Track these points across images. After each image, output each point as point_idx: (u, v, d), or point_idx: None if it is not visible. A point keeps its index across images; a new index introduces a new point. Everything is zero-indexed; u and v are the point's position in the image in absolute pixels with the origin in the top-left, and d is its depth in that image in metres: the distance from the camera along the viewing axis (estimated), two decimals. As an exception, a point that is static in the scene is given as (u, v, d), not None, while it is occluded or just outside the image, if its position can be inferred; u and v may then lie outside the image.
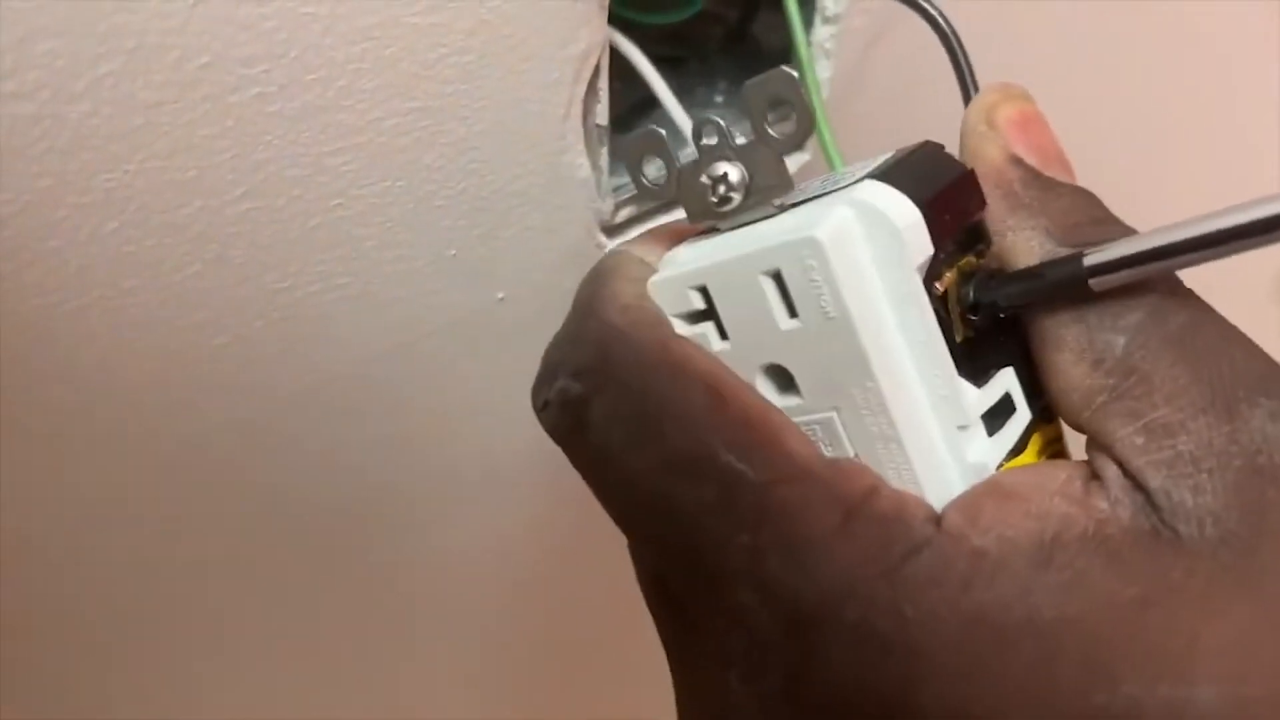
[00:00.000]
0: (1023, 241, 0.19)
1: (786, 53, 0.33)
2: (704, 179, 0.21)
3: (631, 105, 0.32)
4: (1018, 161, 0.19)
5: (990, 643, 0.15)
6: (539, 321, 0.31)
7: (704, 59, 0.36)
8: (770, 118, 0.20)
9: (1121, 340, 0.17)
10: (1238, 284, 0.67)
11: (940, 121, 0.23)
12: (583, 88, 0.27)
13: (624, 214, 0.30)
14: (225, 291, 0.24)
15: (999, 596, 0.16)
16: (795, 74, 0.19)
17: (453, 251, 0.27)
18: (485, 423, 0.32)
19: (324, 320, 0.26)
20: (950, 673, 0.16)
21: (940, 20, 0.24)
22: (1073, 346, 0.18)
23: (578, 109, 0.27)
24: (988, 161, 0.19)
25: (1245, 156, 0.55)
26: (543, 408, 0.21)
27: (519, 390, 0.31)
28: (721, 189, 0.21)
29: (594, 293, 0.20)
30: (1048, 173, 0.19)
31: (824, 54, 0.31)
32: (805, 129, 0.20)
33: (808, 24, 0.31)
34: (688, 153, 0.32)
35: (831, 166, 0.25)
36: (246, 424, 0.27)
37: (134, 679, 0.32)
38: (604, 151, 0.29)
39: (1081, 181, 0.20)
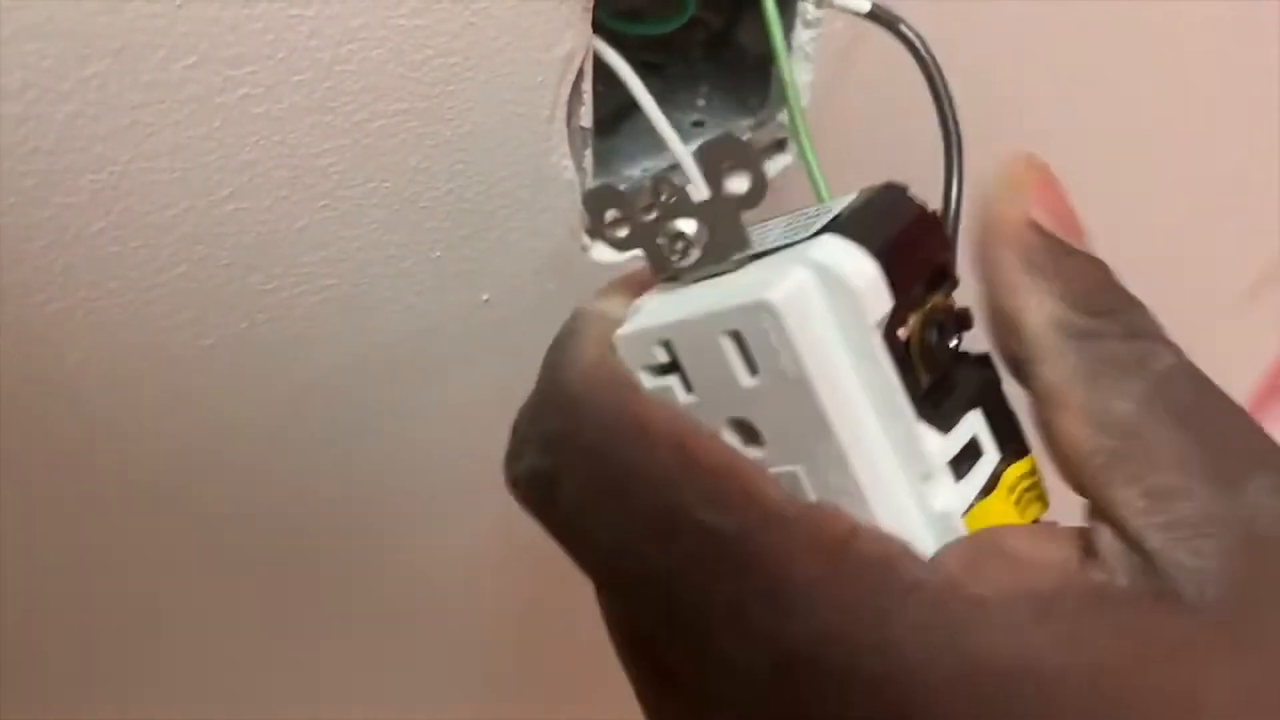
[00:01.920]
0: (1034, 305, 0.19)
1: (770, 57, 0.33)
2: (660, 238, 0.21)
3: (614, 109, 0.32)
4: (1036, 226, 0.19)
5: (992, 686, 0.16)
6: (524, 324, 0.31)
7: (688, 64, 0.36)
8: (727, 178, 0.20)
9: (1127, 406, 0.17)
10: (1212, 285, 0.68)
11: (921, 121, 0.23)
12: (566, 91, 0.27)
13: (608, 215, 0.31)
14: (211, 293, 0.24)
15: (1000, 642, 0.16)
16: (745, 139, 0.19)
17: (438, 253, 0.28)
18: (471, 424, 0.32)
19: (309, 321, 0.27)
20: (949, 713, 0.16)
21: (917, 43, 0.24)
22: (1077, 409, 0.18)
23: (562, 112, 0.27)
24: (1008, 223, 0.19)
25: (1220, 158, 0.56)
26: (513, 484, 0.21)
27: (503, 392, 0.31)
28: (680, 244, 0.21)
29: (557, 359, 0.20)
30: (1065, 239, 0.19)
31: (805, 57, 0.32)
32: (759, 189, 0.19)
33: (788, 29, 0.31)
34: (666, 156, 0.32)
35: (815, 189, 0.25)
36: (232, 425, 0.27)
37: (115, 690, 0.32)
38: (587, 154, 0.29)
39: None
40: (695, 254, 0.20)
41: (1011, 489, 0.20)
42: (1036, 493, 0.20)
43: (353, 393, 0.29)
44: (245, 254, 0.24)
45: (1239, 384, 0.96)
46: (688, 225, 0.20)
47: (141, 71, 0.20)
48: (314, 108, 0.23)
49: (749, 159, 0.19)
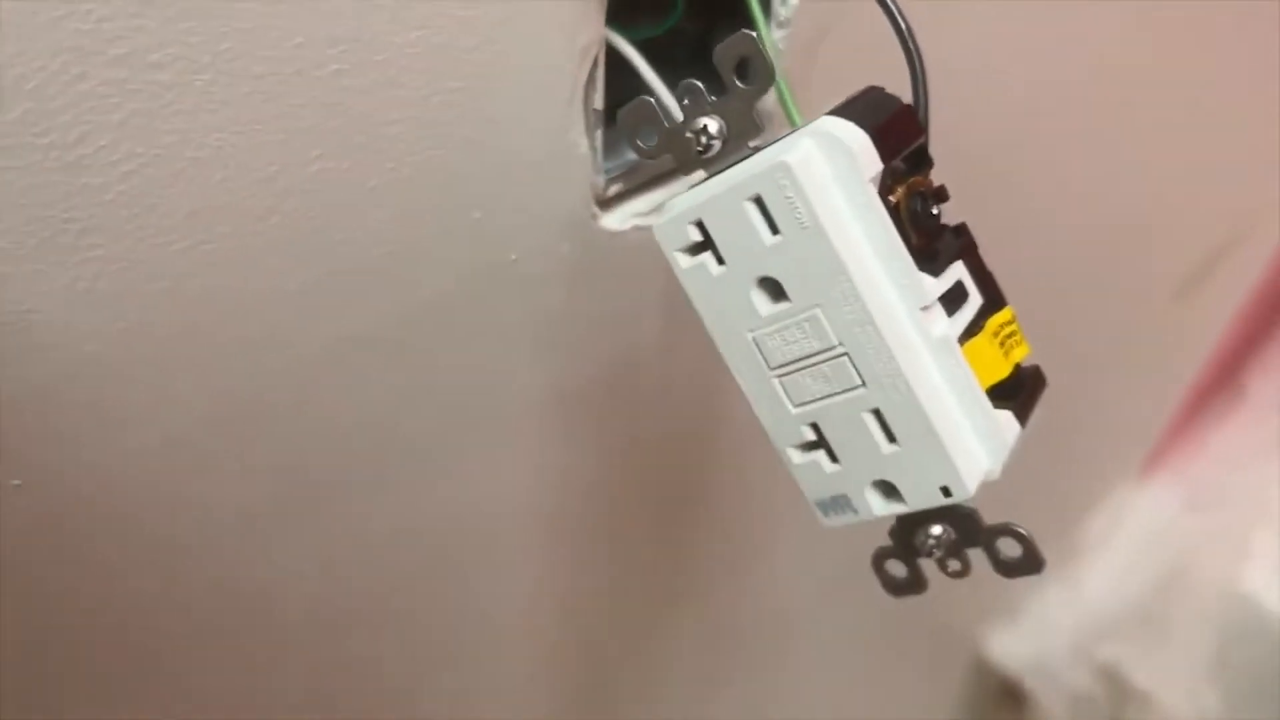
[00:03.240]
0: None
1: (744, 64, 0.39)
2: (688, 134, 0.27)
3: (617, 100, 0.37)
4: None
5: None
6: (544, 281, 0.36)
7: (673, 68, 0.41)
8: (738, 74, 0.25)
9: None
10: (1142, 284, 0.74)
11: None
12: (584, 76, 0.32)
13: (614, 189, 0.36)
14: (299, 241, 0.29)
15: None
16: (754, 34, 0.25)
17: (477, 214, 0.33)
18: (502, 367, 0.37)
19: (371, 273, 0.31)
20: None
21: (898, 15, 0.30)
22: None
23: (579, 95, 0.33)
24: None
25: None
26: None
27: (529, 334, 0.36)
28: (704, 139, 0.26)
29: None
30: None
31: (776, 54, 0.37)
32: (767, 77, 0.25)
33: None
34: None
35: (791, 122, 0.30)
36: (308, 360, 0.32)
37: None
38: (599, 134, 0.34)
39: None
40: (717, 145, 0.26)
41: (995, 333, 0.25)
42: (1018, 338, 0.26)
43: (402, 342, 0.34)
44: (326, 210, 0.29)
45: (1173, 385, 1.02)
46: (710, 122, 0.25)
47: (262, 48, 0.25)
48: (388, 83, 0.28)
49: (755, 49, 0.25)
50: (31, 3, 0.21)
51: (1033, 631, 1.09)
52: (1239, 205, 0.77)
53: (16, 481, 0.28)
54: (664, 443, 0.47)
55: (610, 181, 0.35)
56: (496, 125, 0.31)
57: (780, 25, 0.36)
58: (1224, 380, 1.08)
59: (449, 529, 0.42)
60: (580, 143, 0.34)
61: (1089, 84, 0.53)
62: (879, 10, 0.31)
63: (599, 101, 0.33)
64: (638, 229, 0.37)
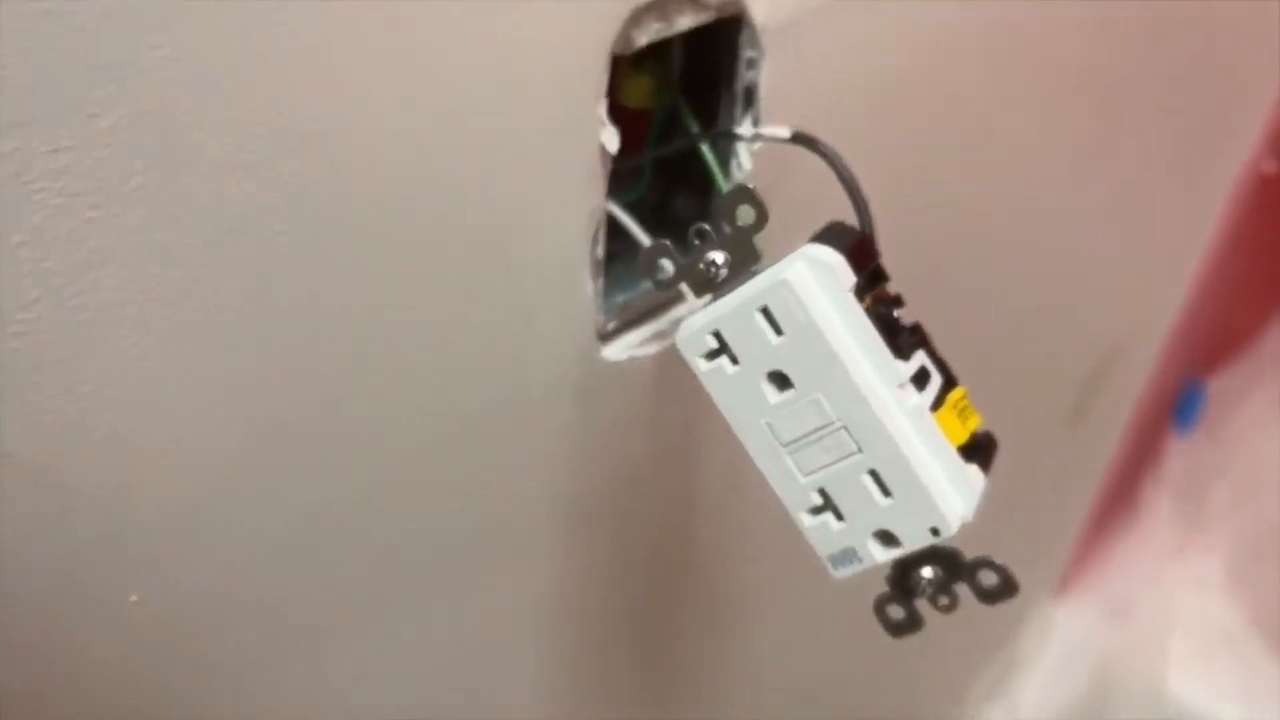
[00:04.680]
0: None
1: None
2: (700, 265, 0.33)
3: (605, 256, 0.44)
4: None
5: None
6: (555, 402, 0.41)
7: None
8: (738, 215, 0.32)
9: None
10: (1042, 392, 0.82)
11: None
12: (591, 234, 0.39)
13: (612, 325, 0.42)
14: (353, 380, 0.34)
15: None
16: (751, 184, 0.32)
17: (502, 353, 0.38)
18: (516, 487, 0.42)
19: (408, 409, 0.37)
20: None
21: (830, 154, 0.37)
22: None
23: (586, 247, 0.39)
24: None
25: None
26: None
27: (541, 454, 0.41)
28: (713, 269, 0.33)
29: None
30: None
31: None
32: (763, 218, 0.32)
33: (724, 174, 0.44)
34: (643, 286, 0.44)
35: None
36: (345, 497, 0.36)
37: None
38: (600, 279, 0.41)
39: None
40: (725, 273, 0.32)
41: (954, 405, 0.32)
42: (971, 410, 0.32)
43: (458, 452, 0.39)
44: (383, 349, 0.34)
45: (1075, 499, 1.11)
46: (717, 255, 0.32)
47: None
48: (434, 253, 0.34)
49: (753, 198, 0.31)
50: None
51: (980, 751, 1.12)
52: (1122, 323, 0.88)
53: None
54: (660, 544, 0.52)
55: (609, 318, 0.42)
56: (521, 279, 0.37)
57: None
58: (1120, 496, 1.17)
59: (461, 649, 0.45)
60: (586, 285, 0.40)
61: (982, 208, 0.62)
62: (814, 166, 0.38)
63: (600, 253, 0.40)
64: (632, 359, 0.43)
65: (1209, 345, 1.12)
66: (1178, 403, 1.17)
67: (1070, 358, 0.84)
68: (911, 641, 0.35)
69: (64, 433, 0.29)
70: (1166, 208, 0.82)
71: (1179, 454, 1.22)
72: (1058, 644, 1.17)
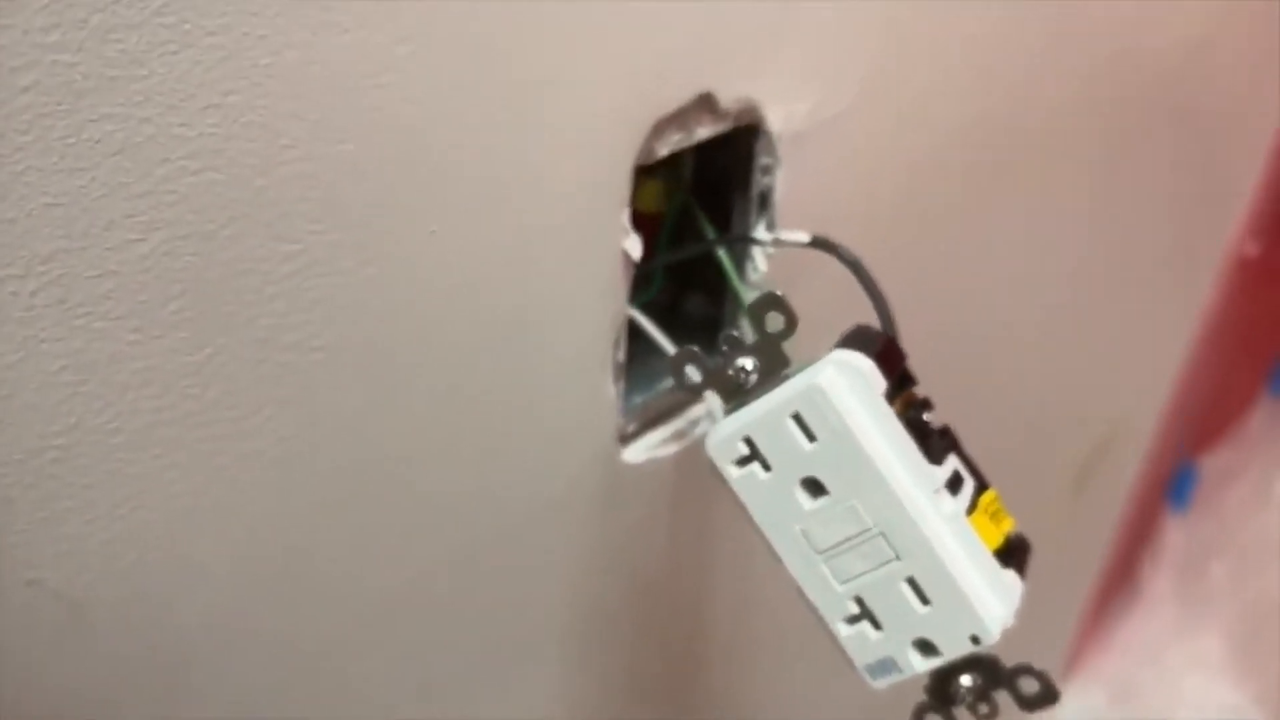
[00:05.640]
0: None
1: (716, 322, 0.47)
2: (730, 371, 0.33)
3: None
4: None
5: None
6: (578, 502, 0.41)
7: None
8: (767, 321, 0.33)
9: None
10: (1043, 476, 0.83)
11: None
12: (613, 340, 0.39)
13: (632, 427, 0.42)
14: (387, 491, 0.34)
15: None
16: (780, 292, 0.33)
17: (529, 458, 0.38)
18: (537, 591, 0.42)
19: (441, 517, 0.36)
20: None
21: (852, 259, 0.38)
22: None
23: (609, 352, 0.39)
24: None
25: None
26: None
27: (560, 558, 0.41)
28: (743, 375, 0.33)
29: None
30: None
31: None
32: (792, 324, 0.32)
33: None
34: (656, 388, 0.44)
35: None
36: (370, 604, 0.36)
37: None
38: (621, 384, 0.41)
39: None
40: (754, 378, 0.32)
41: (987, 509, 0.31)
42: (1003, 513, 0.32)
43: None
44: (423, 463, 0.34)
45: (1078, 576, 1.10)
46: (747, 361, 0.32)
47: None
48: (470, 368, 0.34)
49: (783, 305, 0.32)
50: None
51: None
52: (1116, 406, 0.88)
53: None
54: (680, 652, 0.51)
55: (629, 420, 0.42)
56: (544, 387, 0.37)
57: (753, 288, 0.45)
58: (1120, 577, 1.17)
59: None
60: (609, 390, 0.40)
61: (986, 300, 0.63)
62: (828, 268, 0.39)
63: (621, 356, 0.40)
64: (651, 459, 0.43)
65: (1200, 425, 1.12)
66: (1172, 483, 1.17)
67: (1068, 442, 0.84)
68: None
69: (93, 561, 0.28)
70: (1157, 293, 0.83)
71: (1176, 534, 1.22)
72: (1065, 729, 1.16)
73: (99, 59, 0.23)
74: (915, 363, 0.34)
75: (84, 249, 0.24)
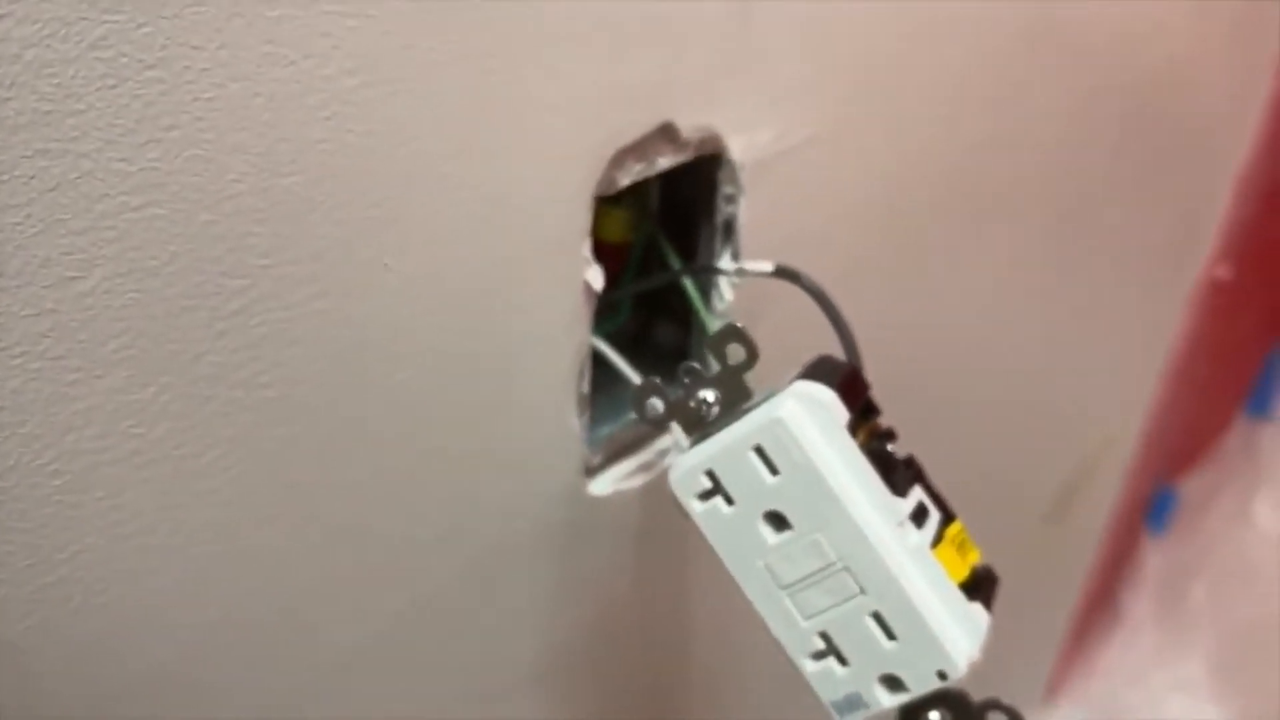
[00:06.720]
0: None
1: (686, 350, 0.47)
2: (691, 403, 0.33)
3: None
4: None
5: None
6: (542, 536, 0.40)
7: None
8: (728, 353, 0.32)
9: None
10: (1020, 503, 0.82)
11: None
12: (577, 371, 0.39)
13: (598, 459, 0.42)
14: (353, 535, 0.33)
15: None
16: (741, 323, 0.32)
17: (493, 495, 0.38)
18: (506, 629, 0.41)
19: (406, 560, 0.35)
20: None
21: (815, 288, 0.38)
22: None
23: (573, 384, 0.39)
24: None
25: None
26: None
27: (526, 597, 0.40)
28: (704, 407, 0.33)
29: None
30: None
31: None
32: (753, 356, 0.32)
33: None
34: (623, 420, 0.44)
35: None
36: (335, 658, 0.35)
37: None
38: (586, 416, 0.40)
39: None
40: (715, 410, 0.32)
41: (953, 540, 0.31)
42: (970, 544, 0.32)
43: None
44: (384, 505, 0.33)
45: (1058, 601, 1.10)
46: (708, 393, 0.32)
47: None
48: (441, 397, 0.33)
49: (743, 337, 0.31)
50: None
51: None
52: (1093, 430, 0.88)
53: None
54: (643, 687, 0.50)
55: (594, 452, 0.41)
56: (509, 421, 0.37)
57: (719, 317, 0.44)
58: (1100, 600, 1.16)
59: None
60: (573, 422, 0.39)
61: (957, 325, 0.62)
62: (792, 296, 0.38)
63: (585, 388, 0.40)
64: (618, 492, 0.42)
65: (1178, 449, 1.13)
66: (1151, 507, 1.17)
67: (1045, 468, 0.84)
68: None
69: (34, 607, 0.27)
70: (1131, 318, 0.83)
71: (1155, 557, 1.22)
72: (1049, 754, 1.15)
73: (33, 93, 0.22)
74: (882, 393, 0.33)
75: (19, 287, 0.24)
